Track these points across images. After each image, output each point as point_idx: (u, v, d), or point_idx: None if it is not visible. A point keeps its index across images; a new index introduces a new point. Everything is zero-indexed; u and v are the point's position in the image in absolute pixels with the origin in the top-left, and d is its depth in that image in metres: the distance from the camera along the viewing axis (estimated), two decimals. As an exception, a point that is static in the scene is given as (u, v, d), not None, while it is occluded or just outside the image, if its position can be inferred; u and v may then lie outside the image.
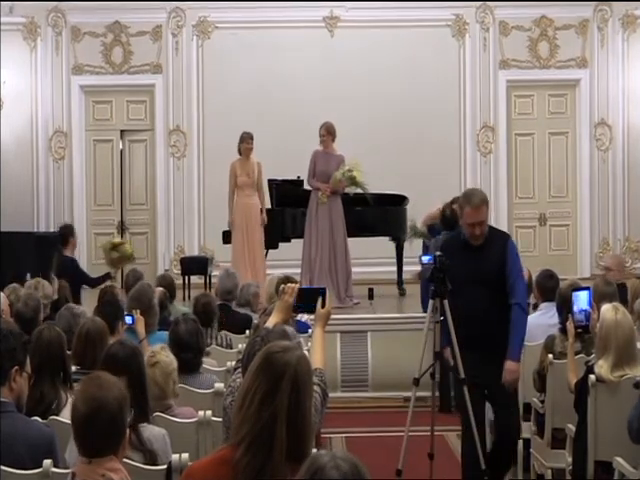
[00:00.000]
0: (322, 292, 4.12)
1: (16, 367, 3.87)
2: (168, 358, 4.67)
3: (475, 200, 5.90)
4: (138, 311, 6.44)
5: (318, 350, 3.92)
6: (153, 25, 14.22)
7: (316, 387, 3.64)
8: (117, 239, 10.59)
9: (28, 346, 4.08)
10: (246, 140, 10.99)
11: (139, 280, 8.25)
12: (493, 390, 5.93)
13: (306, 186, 11.28)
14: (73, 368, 4.92)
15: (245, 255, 10.93)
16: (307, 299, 4.12)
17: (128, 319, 6.36)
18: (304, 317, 6.72)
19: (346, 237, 10.86)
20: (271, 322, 4.07)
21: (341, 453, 2.28)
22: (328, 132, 10.78)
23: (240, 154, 11.03)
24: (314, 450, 2.95)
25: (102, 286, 8.87)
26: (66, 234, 10.49)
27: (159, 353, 4.66)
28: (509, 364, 5.83)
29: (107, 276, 10.11)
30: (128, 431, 3.34)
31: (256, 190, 11.06)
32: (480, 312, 5.77)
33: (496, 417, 6.07)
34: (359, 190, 10.92)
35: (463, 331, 5.70)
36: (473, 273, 5.82)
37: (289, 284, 4.19)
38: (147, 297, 6.66)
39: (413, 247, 11.10)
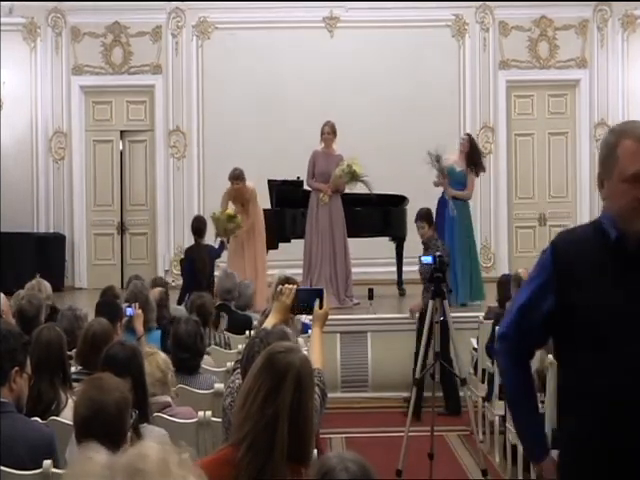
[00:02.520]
0: (320, 293, 4.14)
1: (16, 368, 3.87)
2: (161, 353, 4.76)
3: None
4: (137, 304, 6.46)
5: (317, 350, 3.94)
6: (153, 25, 14.22)
7: (315, 388, 3.66)
8: (229, 211, 10.66)
9: (28, 346, 4.09)
10: (230, 181, 10.65)
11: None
12: None
13: (306, 186, 11.29)
14: (76, 368, 4.93)
15: (245, 258, 10.86)
16: (305, 300, 4.14)
17: (129, 310, 6.38)
18: (302, 317, 6.72)
19: (346, 237, 10.86)
20: (269, 323, 4.09)
21: (350, 455, 2.33)
22: (333, 131, 10.76)
23: None
24: (314, 451, 2.97)
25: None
26: (200, 226, 10.54)
27: (154, 349, 4.75)
28: None
29: (223, 244, 10.50)
30: (129, 433, 3.35)
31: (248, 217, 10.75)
32: None
33: None
34: (360, 186, 10.93)
35: (600, 430, 2.87)
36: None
37: (286, 285, 4.20)
38: (142, 294, 6.67)
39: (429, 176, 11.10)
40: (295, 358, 2.95)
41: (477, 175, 11.28)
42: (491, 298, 9.03)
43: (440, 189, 11.04)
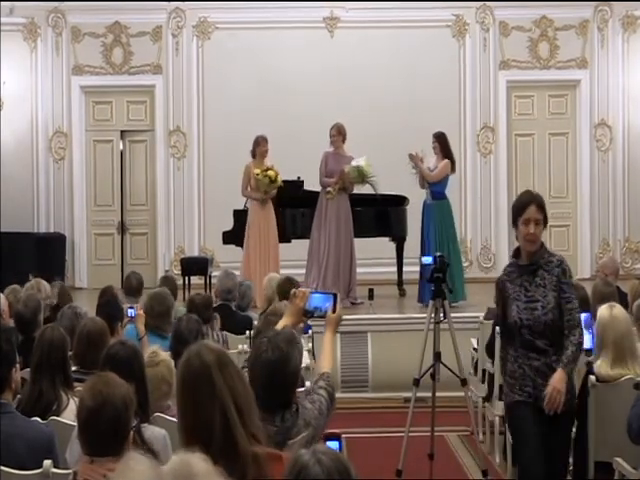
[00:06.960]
0: (334, 297, 4.13)
1: (13, 369, 3.92)
2: (168, 357, 4.71)
3: None
4: (138, 305, 6.45)
5: (327, 354, 3.95)
6: (153, 26, 14.22)
7: (322, 391, 3.67)
8: (271, 172, 10.68)
9: (16, 341, 4.14)
10: (261, 143, 10.89)
11: (140, 283, 8.28)
12: None
13: (306, 187, 11.34)
14: (73, 368, 4.93)
15: (257, 255, 10.91)
16: (318, 304, 4.12)
17: (131, 311, 6.37)
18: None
19: (353, 238, 10.93)
20: (281, 325, 4.07)
21: (321, 447, 2.33)
22: (339, 132, 10.87)
23: (254, 157, 10.95)
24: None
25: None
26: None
27: (159, 351, 4.71)
28: None
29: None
30: (132, 433, 3.36)
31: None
32: None
33: None
34: (358, 186, 10.96)
35: None
36: None
37: (300, 289, 4.18)
38: (165, 305, 6.63)
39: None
40: (206, 354, 3.01)
41: (453, 168, 11.09)
42: (489, 298, 9.01)
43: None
